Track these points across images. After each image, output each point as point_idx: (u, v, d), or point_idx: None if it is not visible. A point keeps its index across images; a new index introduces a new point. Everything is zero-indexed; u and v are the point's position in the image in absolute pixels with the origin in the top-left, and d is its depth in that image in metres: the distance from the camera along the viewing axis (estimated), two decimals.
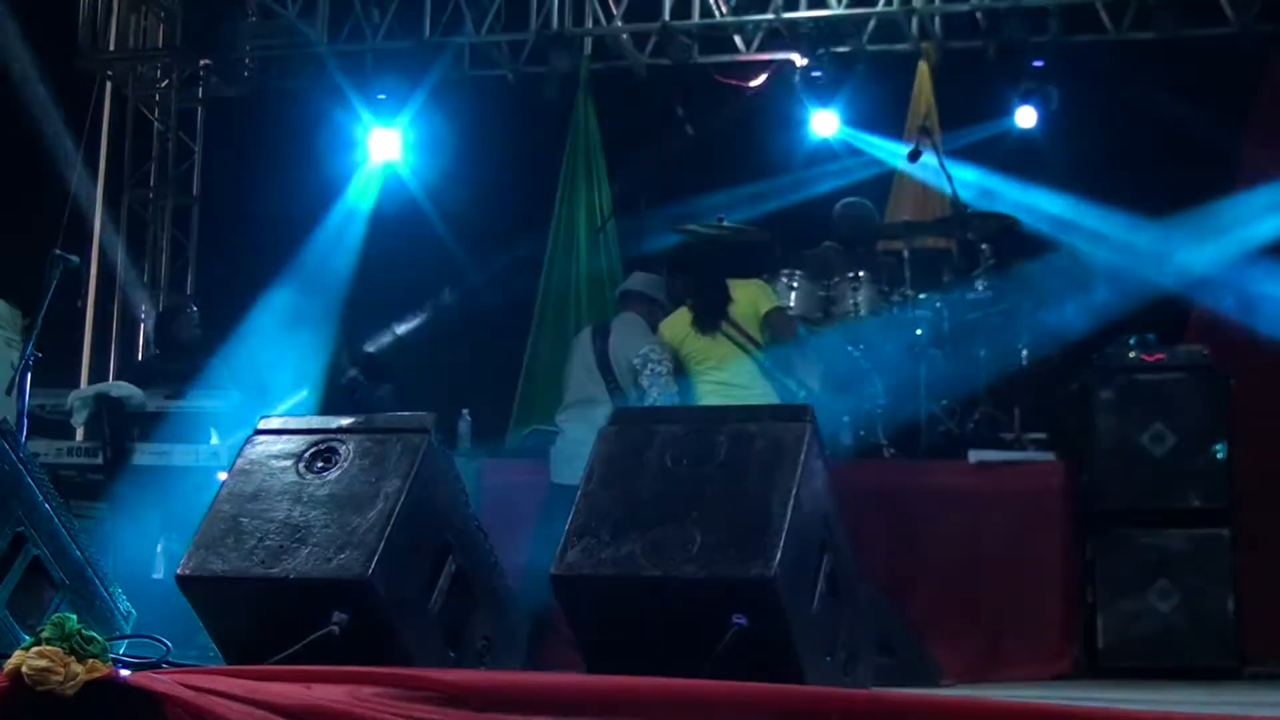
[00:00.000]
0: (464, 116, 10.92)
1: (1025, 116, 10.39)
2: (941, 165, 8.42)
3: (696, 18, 10.69)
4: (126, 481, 7.42)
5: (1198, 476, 7.43)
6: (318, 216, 10.64)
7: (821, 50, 10.47)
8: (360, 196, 10.95)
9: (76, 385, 9.93)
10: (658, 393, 7.09)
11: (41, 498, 4.77)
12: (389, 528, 4.25)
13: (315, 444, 4.55)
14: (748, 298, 7.36)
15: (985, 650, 7.24)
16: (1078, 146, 10.19)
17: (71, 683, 2.79)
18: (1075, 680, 7.03)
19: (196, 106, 11.93)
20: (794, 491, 4.13)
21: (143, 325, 11.37)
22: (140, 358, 11.07)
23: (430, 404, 4.98)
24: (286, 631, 4.06)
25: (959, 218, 8.49)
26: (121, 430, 7.54)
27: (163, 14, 11.66)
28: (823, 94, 10.57)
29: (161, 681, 2.84)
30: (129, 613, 4.95)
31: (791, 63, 10.62)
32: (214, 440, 7.62)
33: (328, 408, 8.64)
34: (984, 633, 7.28)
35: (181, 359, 8.91)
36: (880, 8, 10.54)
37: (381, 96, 10.92)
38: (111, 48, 11.62)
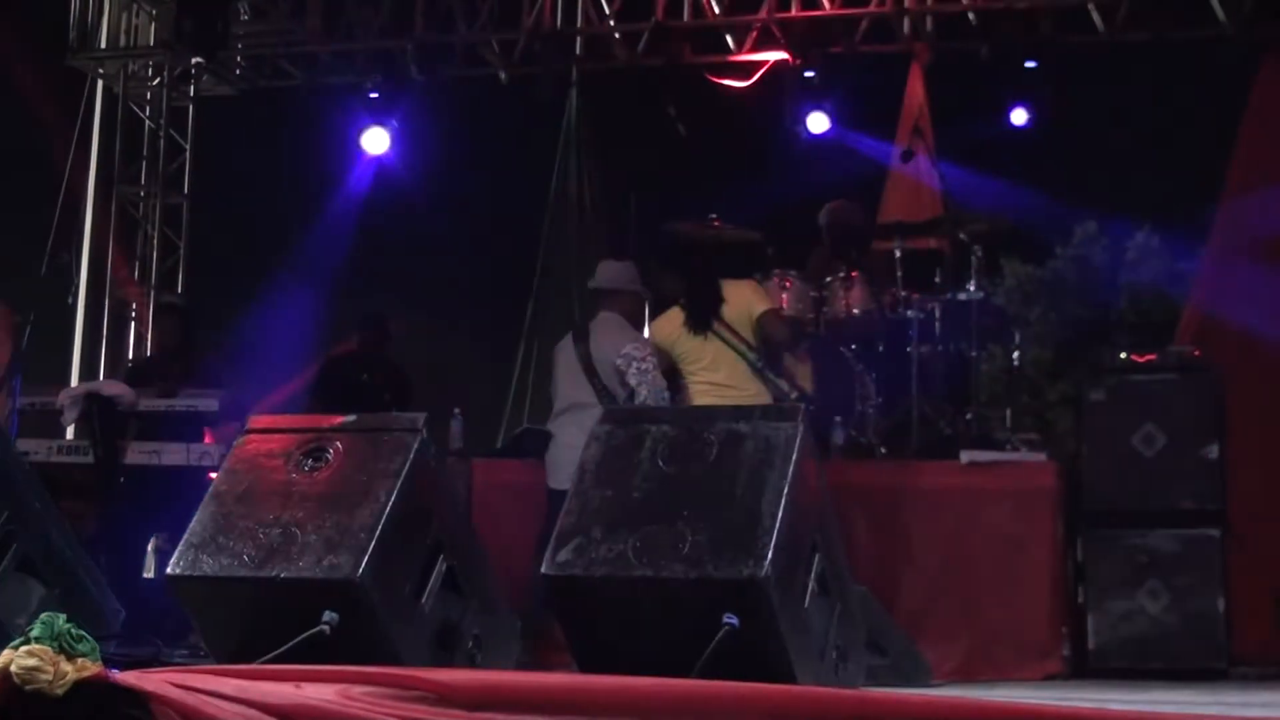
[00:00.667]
0: (456, 116, 10.92)
1: (1017, 117, 10.39)
2: (934, 165, 8.43)
3: (688, 18, 10.68)
4: (117, 480, 7.40)
5: (1188, 477, 7.42)
6: (309, 215, 10.63)
7: (814, 50, 10.46)
8: (352, 194, 10.94)
9: (67, 383, 9.91)
10: (646, 390, 7.05)
11: (31, 496, 4.76)
12: (380, 527, 4.25)
13: (306, 443, 4.55)
14: (741, 299, 7.34)
15: (976, 650, 7.24)
16: (1070, 147, 10.20)
17: (61, 682, 2.79)
18: (1065, 680, 7.03)
19: (188, 104, 11.90)
20: (785, 492, 4.14)
21: (133, 323, 11.35)
22: (131, 356, 11.05)
23: (422, 403, 4.97)
24: (277, 631, 4.06)
25: (951, 218, 8.50)
26: (112, 429, 7.52)
27: (154, 12, 11.64)
28: (815, 94, 10.57)
29: (151, 681, 2.83)
30: (119, 612, 4.94)
31: (784, 63, 10.61)
32: (206, 439, 7.61)
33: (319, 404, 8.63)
34: (974, 633, 7.28)
35: (174, 358, 8.89)
36: (873, 8, 10.53)
37: (373, 95, 10.91)
38: (103, 45, 11.60)
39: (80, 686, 2.80)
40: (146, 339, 11.04)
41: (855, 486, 7.29)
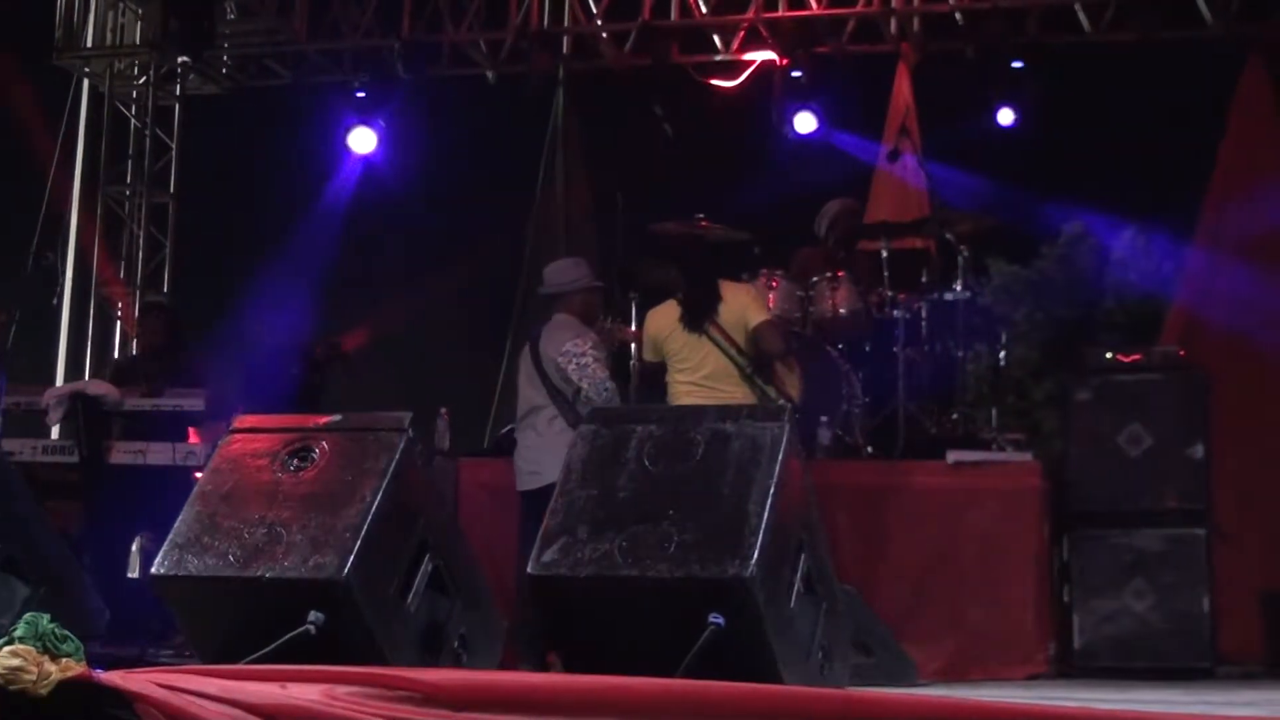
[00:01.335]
0: (443, 115, 10.92)
1: (1004, 117, 10.41)
2: (920, 165, 8.44)
3: (676, 17, 10.68)
4: (102, 480, 7.39)
5: (1174, 476, 7.44)
6: (296, 214, 10.61)
7: (801, 50, 10.47)
8: (339, 194, 10.92)
9: (52, 383, 9.89)
10: (588, 384, 7.02)
11: (15, 496, 4.75)
12: (366, 527, 4.25)
13: (292, 443, 4.55)
14: (738, 304, 7.30)
15: (962, 650, 7.25)
16: (1056, 147, 10.21)
17: (45, 682, 2.78)
18: (1051, 680, 7.04)
19: (174, 103, 11.88)
20: (771, 491, 4.14)
21: (118, 323, 11.33)
22: (116, 355, 11.03)
23: (408, 403, 4.96)
24: (263, 631, 4.05)
25: (937, 218, 8.51)
26: (97, 429, 7.51)
27: (140, 11, 11.62)
28: (802, 94, 10.58)
29: (136, 681, 2.83)
30: (104, 611, 4.93)
31: (771, 62, 10.62)
32: (191, 439, 7.59)
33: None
34: (961, 632, 7.29)
35: (159, 357, 8.88)
36: (860, 8, 10.55)
37: (361, 94, 10.90)
38: (89, 44, 11.58)
39: (64, 687, 2.79)
40: (132, 338, 11.02)
41: (841, 486, 7.30)
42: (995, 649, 7.25)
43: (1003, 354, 8.39)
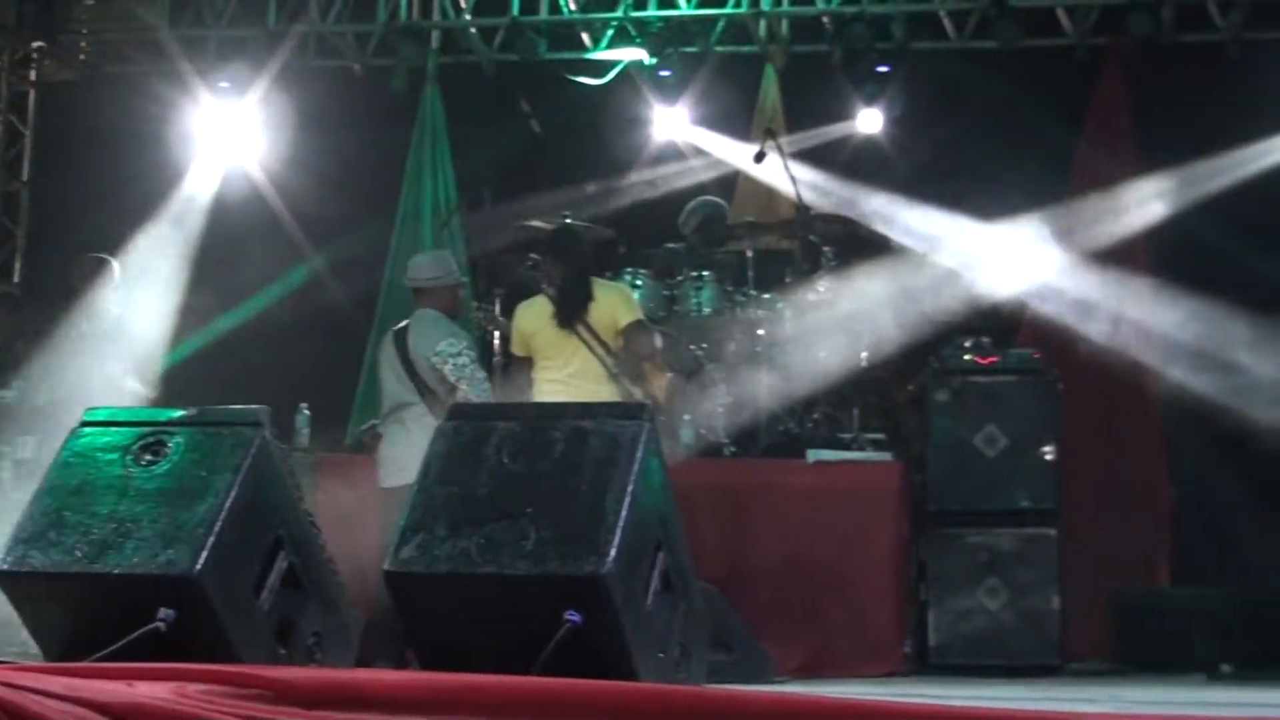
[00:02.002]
0: (309, 107, 10.77)
1: (869, 121, 10.53)
2: (786, 167, 8.50)
3: (545, 14, 10.66)
4: None
5: (1027, 477, 7.60)
6: (155, 206, 10.41)
7: (669, 50, 10.51)
8: (200, 185, 10.74)
9: None
10: (467, 385, 6.99)
11: None
12: (219, 523, 4.19)
13: (143, 436, 4.46)
14: (609, 303, 7.29)
15: (820, 647, 7.33)
16: (920, 151, 10.35)
17: None
18: (906, 677, 7.14)
19: (28, 89, 11.60)
20: (630, 489, 4.15)
21: None
22: None
23: (269, 398, 4.89)
24: (111, 629, 3.97)
25: (802, 219, 8.59)
26: None
27: None
28: (670, 94, 10.62)
29: None
30: None
31: (639, 62, 10.65)
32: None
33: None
34: (819, 630, 7.37)
35: (5, 349, 8.66)
36: (729, 9, 10.61)
37: (224, 84, 10.73)
38: None
39: None
40: None
41: (703, 485, 7.33)
42: (853, 647, 7.34)
43: (865, 354, 8.48)
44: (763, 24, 10.73)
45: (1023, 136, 9.93)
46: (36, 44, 11.21)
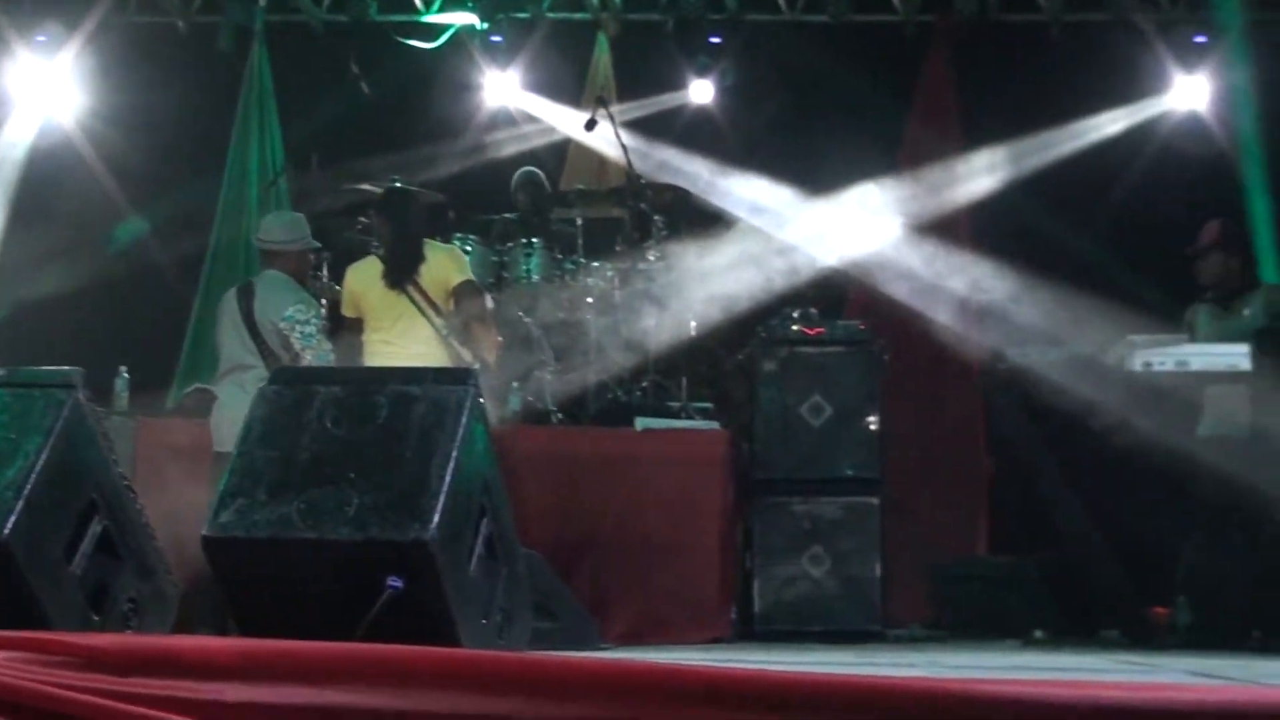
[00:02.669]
0: (131, 64, 10.49)
1: (701, 91, 10.58)
2: (617, 135, 8.51)
3: None
4: None
5: (851, 447, 7.71)
6: None
7: (501, 15, 10.44)
8: (14, 143, 10.41)
9: None
10: (311, 355, 6.93)
11: None
12: (28, 486, 4.08)
13: None
14: (440, 264, 7.25)
15: (646, 614, 7.36)
16: (751, 122, 10.43)
17: None
18: (731, 644, 7.21)
19: None
20: (454, 455, 4.13)
21: None
22: None
23: (87, 360, 4.77)
24: None
25: (633, 188, 8.60)
26: None
27: None
28: (501, 59, 10.56)
29: None
30: None
31: (471, 26, 10.56)
32: None
33: None
34: (646, 597, 7.40)
35: None
36: None
37: (41, 39, 10.41)
38: None
39: None
40: None
41: (530, 452, 7.33)
42: (679, 613, 7.38)
43: (694, 324, 8.53)
44: None
45: (853, 110, 10.07)
46: None
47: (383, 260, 7.25)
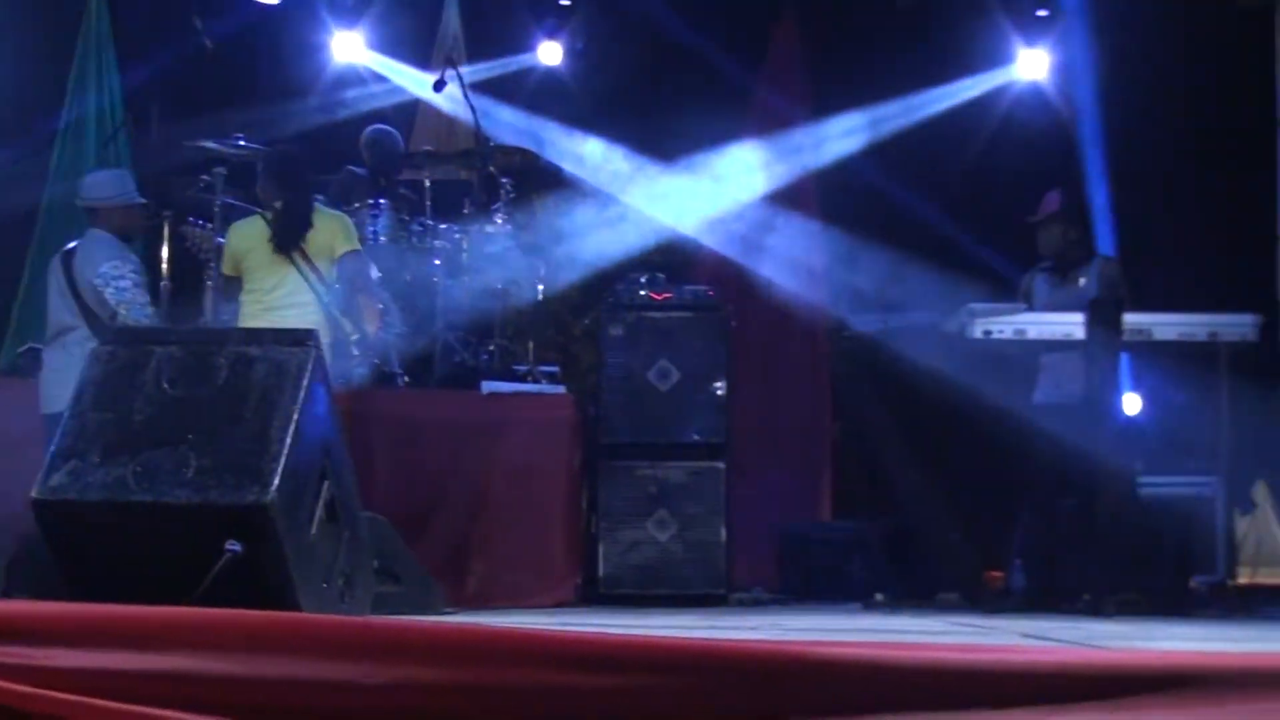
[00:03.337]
0: None
1: (550, 53, 10.52)
2: (465, 97, 8.43)
3: None
4: None
5: (698, 411, 7.76)
6: None
7: None
8: None
9: None
10: (126, 310, 6.80)
11: None
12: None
13: None
14: (328, 230, 7.11)
15: (492, 577, 7.35)
16: (601, 86, 10.41)
17: None
18: (575, 607, 7.23)
19: None
20: (294, 418, 4.07)
21: None
22: None
23: None
24: None
25: (481, 150, 8.53)
26: None
27: None
28: (347, 17, 10.39)
29: None
30: None
31: None
32: None
33: None
34: (491, 560, 7.39)
35: None
36: None
37: None
38: None
39: None
40: None
41: (375, 415, 7.27)
42: (525, 577, 7.38)
43: (542, 287, 8.51)
44: None
45: (703, 75, 10.09)
46: None
47: (269, 223, 7.10)
